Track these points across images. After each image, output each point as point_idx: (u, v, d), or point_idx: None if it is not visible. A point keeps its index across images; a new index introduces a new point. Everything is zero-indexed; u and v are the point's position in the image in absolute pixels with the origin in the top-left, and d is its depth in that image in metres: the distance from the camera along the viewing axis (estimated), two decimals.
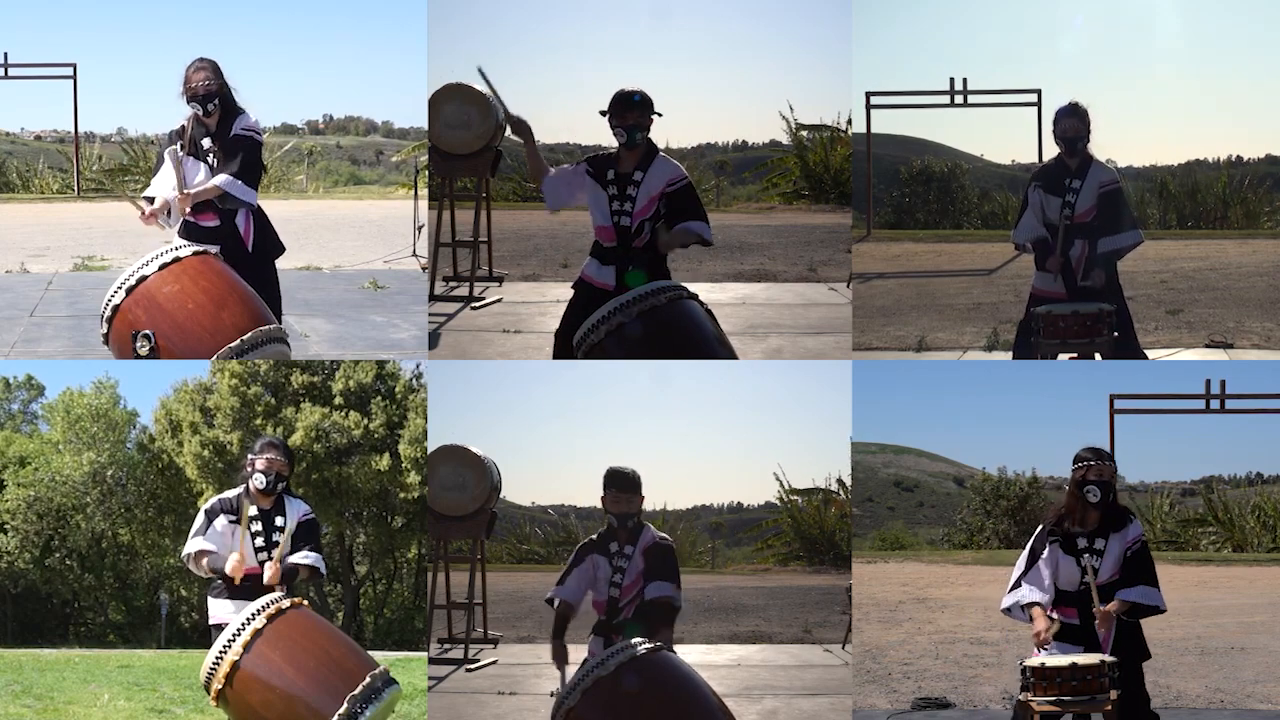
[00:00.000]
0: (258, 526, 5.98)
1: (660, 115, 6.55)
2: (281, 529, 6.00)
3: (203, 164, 6.93)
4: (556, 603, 6.06)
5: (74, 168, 19.54)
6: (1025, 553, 5.85)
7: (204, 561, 5.92)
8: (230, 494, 6.07)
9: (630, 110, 6.48)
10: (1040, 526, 5.90)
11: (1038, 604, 5.71)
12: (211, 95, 6.85)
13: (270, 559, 5.94)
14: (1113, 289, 7.38)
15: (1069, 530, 5.78)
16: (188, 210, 6.87)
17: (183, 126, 6.97)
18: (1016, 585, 5.83)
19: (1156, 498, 19.66)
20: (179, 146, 6.90)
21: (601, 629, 6.04)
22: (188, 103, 6.88)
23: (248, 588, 5.89)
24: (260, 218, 7.14)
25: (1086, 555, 5.74)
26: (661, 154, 6.59)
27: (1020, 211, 7.47)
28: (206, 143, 6.91)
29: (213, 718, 7.67)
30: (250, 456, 6.07)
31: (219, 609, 5.96)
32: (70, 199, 19.05)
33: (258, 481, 5.99)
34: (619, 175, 6.58)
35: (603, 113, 6.54)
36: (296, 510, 6.09)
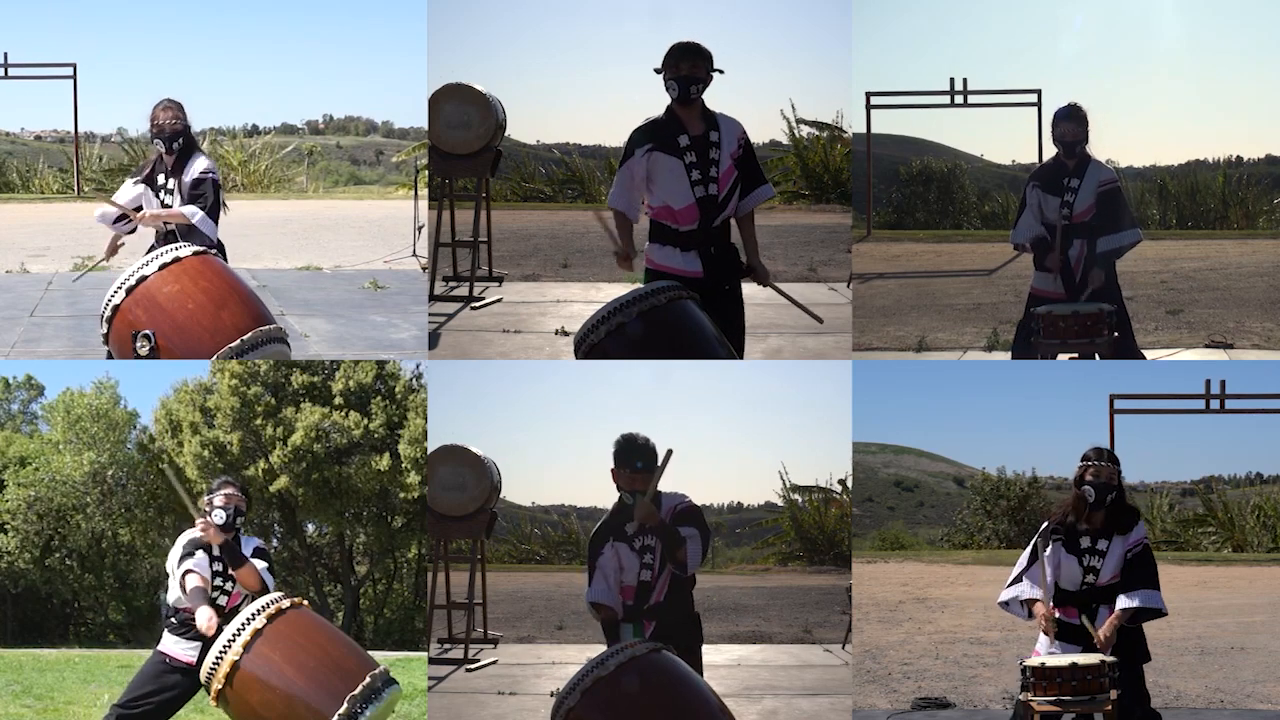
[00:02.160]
0: (218, 567, 5.98)
1: (721, 72, 6.03)
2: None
3: (155, 199, 7.23)
4: (594, 612, 5.81)
5: (74, 168, 19.54)
6: (1028, 549, 5.86)
7: (190, 587, 5.84)
8: (196, 533, 6.03)
9: (684, 59, 5.98)
10: (1045, 524, 5.90)
11: (1038, 600, 5.73)
12: (178, 134, 7.17)
13: (223, 593, 5.96)
14: (1112, 289, 7.38)
15: (1072, 527, 5.79)
16: (159, 225, 7.19)
17: (151, 162, 7.30)
18: (1017, 580, 5.84)
19: (1156, 498, 19.65)
20: (143, 178, 7.27)
21: (632, 615, 5.82)
22: (152, 139, 7.20)
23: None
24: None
25: (1088, 556, 5.75)
26: (717, 112, 6.12)
27: (1019, 211, 7.48)
28: (161, 179, 7.21)
29: (213, 718, 7.66)
30: (208, 495, 6.09)
31: (171, 644, 5.98)
32: (70, 199, 19.05)
33: (217, 517, 6.00)
34: (694, 139, 6.05)
35: (656, 70, 6.04)
36: (250, 544, 6.13)
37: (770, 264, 6.42)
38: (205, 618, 5.76)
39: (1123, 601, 5.69)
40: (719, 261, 6.16)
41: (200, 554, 5.97)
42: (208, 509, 6.05)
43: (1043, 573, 5.75)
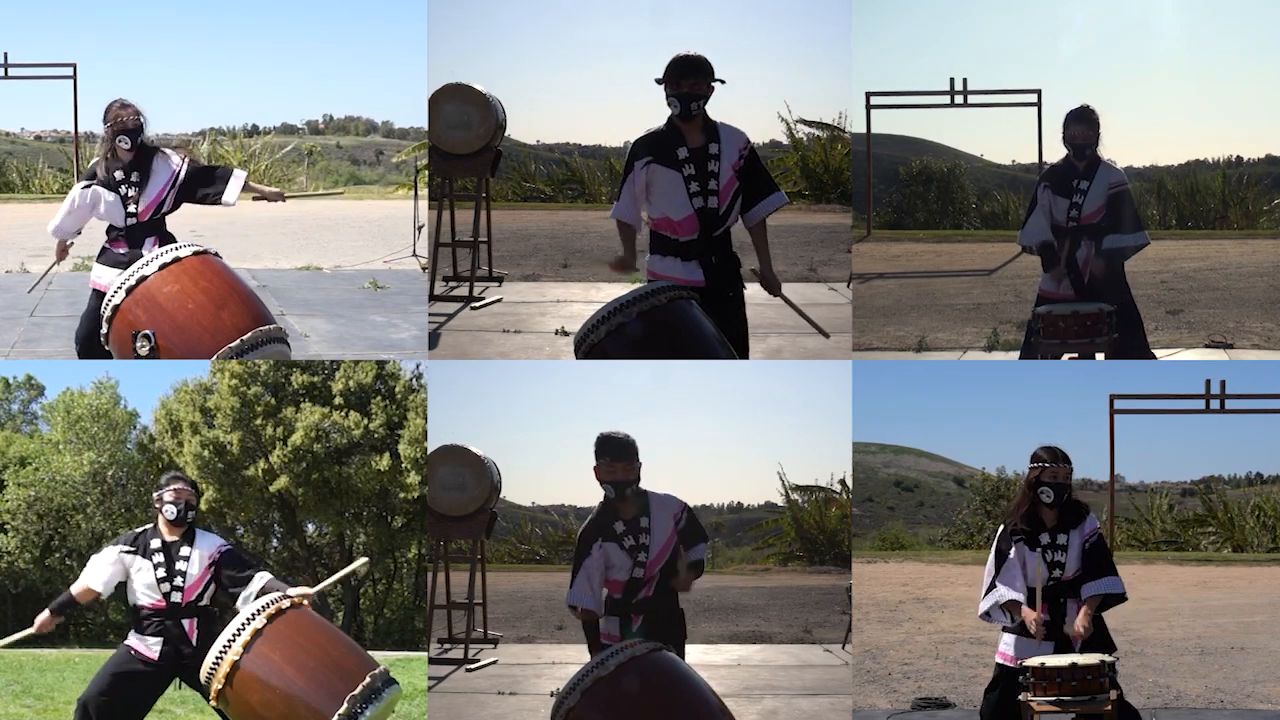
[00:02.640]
0: (159, 559, 6.01)
1: (723, 82, 6.04)
2: (186, 558, 6.04)
3: (114, 194, 7.16)
4: (580, 610, 5.87)
5: (74, 168, 19.54)
6: (992, 556, 5.90)
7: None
8: (139, 530, 6.15)
9: (685, 77, 5.97)
10: (1002, 527, 5.95)
11: (1016, 600, 5.74)
12: (140, 130, 7.14)
13: (174, 589, 5.99)
14: (1119, 288, 7.38)
15: (1022, 528, 5.83)
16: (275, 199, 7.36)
17: (100, 164, 7.22)
18: (991, 588, 5.86)
19: (1156, 498, 19.63)
20: (90, 184, 7.18)
21: (617, 609, 5.90)
22: (114, 136, 7.14)
23: (158, 623, 5.99)
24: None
25: (1050, 551, 5.79)
26: (719, 122, 6.11)
27: (1028, 212, 7.49)
28: (119, 174, 7.15)
29: (213, 718, 7.67)
30: (157, 492, 6.13)
31: (134, 639, 6.07)
32: None
33: (168, 512, 6.06)
34: (693, 152, 6.05)
35: (658, 80, 6.03)
36: (212, 543, 6.12)
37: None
38: (40, 619, 6.12)
39: (1089, 590, 5.73)
40: (720, 269, 6.16)
41: (114, 551, 6.05)
42: (158, 505, 6.10)
43: (1014, 574, 5.78)
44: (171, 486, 6.10)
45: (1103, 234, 7.28)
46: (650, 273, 6.20)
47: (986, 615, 5.91)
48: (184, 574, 6.01)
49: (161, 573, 6.00)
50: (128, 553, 6.03)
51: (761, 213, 6.19)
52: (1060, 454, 5.83)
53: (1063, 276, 7.33)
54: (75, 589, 6.09)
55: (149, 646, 6.00)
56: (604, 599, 5.95)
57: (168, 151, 7.27)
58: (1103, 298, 7.24)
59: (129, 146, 7.13)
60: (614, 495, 5.89)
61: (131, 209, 7.18)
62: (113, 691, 5.98)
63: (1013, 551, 5.82)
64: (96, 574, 6.05)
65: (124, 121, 7.11)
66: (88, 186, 7.16)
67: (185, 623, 6.00)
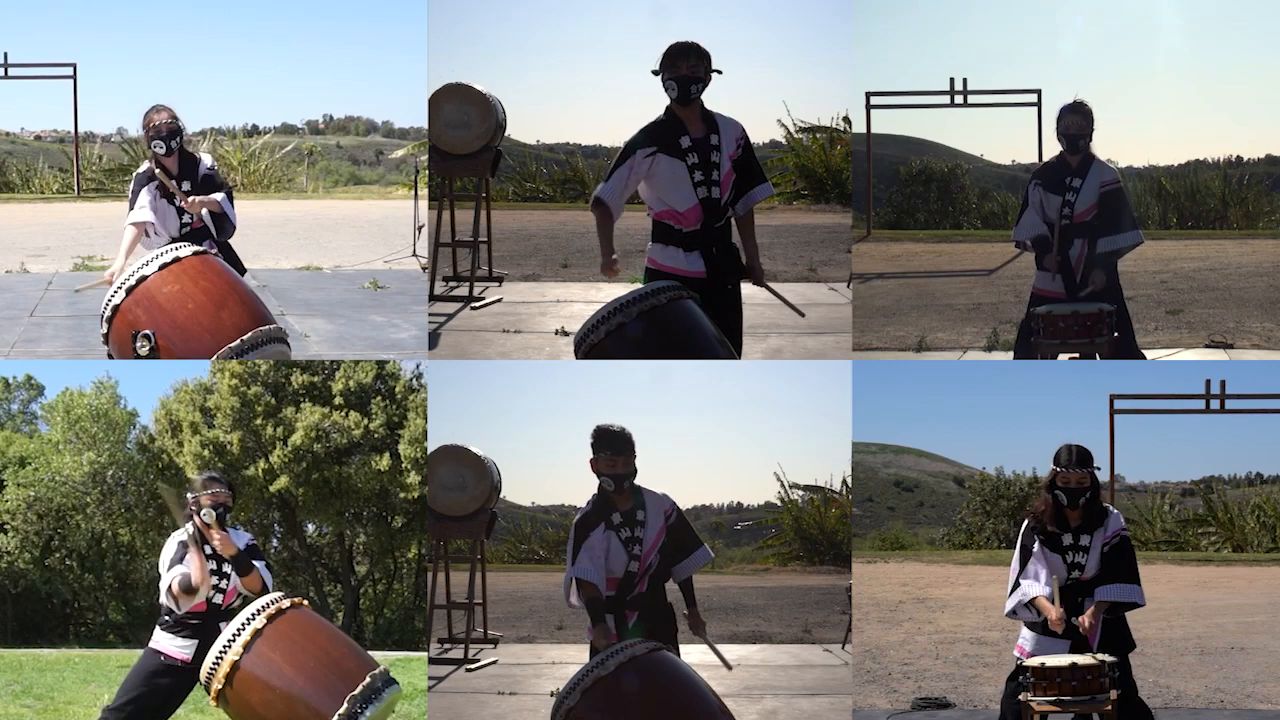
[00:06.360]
0: (213, 565, 5.95)
1: (720, 72, 6.02)
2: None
3: (172, 206, 7.21)
4: (579, 590, 5.82)
5: (74, 168, 19.55)
6: (1016, 552, 5.91)
7: (175, 585, 5.87)
8: (183, 534, 6.02)
9: (682, 58, 5.96)
10: (1025, 524, 5.94)
11: (1041, 596, 5.74)
12: (175, 133, 7.18)
13: (217, 591, 5.94)
14: (1112, 289, 7.38)
15: (1047, 530, 5.82)
16: (200, 212, 7.19)
17: (151, 170, 7.22)
18: (1016, 586, 5.86)
19: (1156, 498, 19.64)
20: (155, 185, 7.18)
21: (613, 605, 5.88)
22: (149, 142, 7.17)
23: (197, 625, 5.90)
24: (226, 250, 7.37)
25: (1071, 553, 5.79)
26: (716, 113, 6.10)
27: (1021, 209, 7.49)
28: (173, 183, 7.18)
29: (213, 718, 7.67)
30: (192, 495, 6.05)
31: (166, 642, 5.94)
32: (70, 199, 19.06)
33: (206, 516, 5.98)
34: (695, 142, 6.04)
35: (655, 72, 6.02)
36: (242, 539, 6.09)
37: (770, 264, 6.44)
38: (195, 571, 5.82)
39: (1100, 594, 5.74)
40: (721, 261, 6.18)
41: (191, 557, 5.94)
42: (194, 509, 6.03)
43: (1038, 569, 5.78)
44: (208, 491, 6.02)
45: (1095, 232, 7.27)
46: (650, 260, 6.20)
47: (1013, 613, 5.90)
48: (228, 577, 5.98)
49: (215, 579, 5.94)
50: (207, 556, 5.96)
51: (749, 203, 6.23)
52: (1078, 458, 5.79)
53: (1055, 274, 7.32)
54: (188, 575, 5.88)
55: (180, 648, 5.90)
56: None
57: (201, 155, 7.33)
58: (1101, 298, 7.23)
59: (164, 151, 7.14)
60: (612, 489, 5.92)
61: (186, 218, 7.21)
62: (141, 701, 5.90)
63: (1035, 546, 5.82)
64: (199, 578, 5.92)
65: (157, 127, 7.14)
66: (150, 182, 7.13)
67: (221, 625, 5.84)
